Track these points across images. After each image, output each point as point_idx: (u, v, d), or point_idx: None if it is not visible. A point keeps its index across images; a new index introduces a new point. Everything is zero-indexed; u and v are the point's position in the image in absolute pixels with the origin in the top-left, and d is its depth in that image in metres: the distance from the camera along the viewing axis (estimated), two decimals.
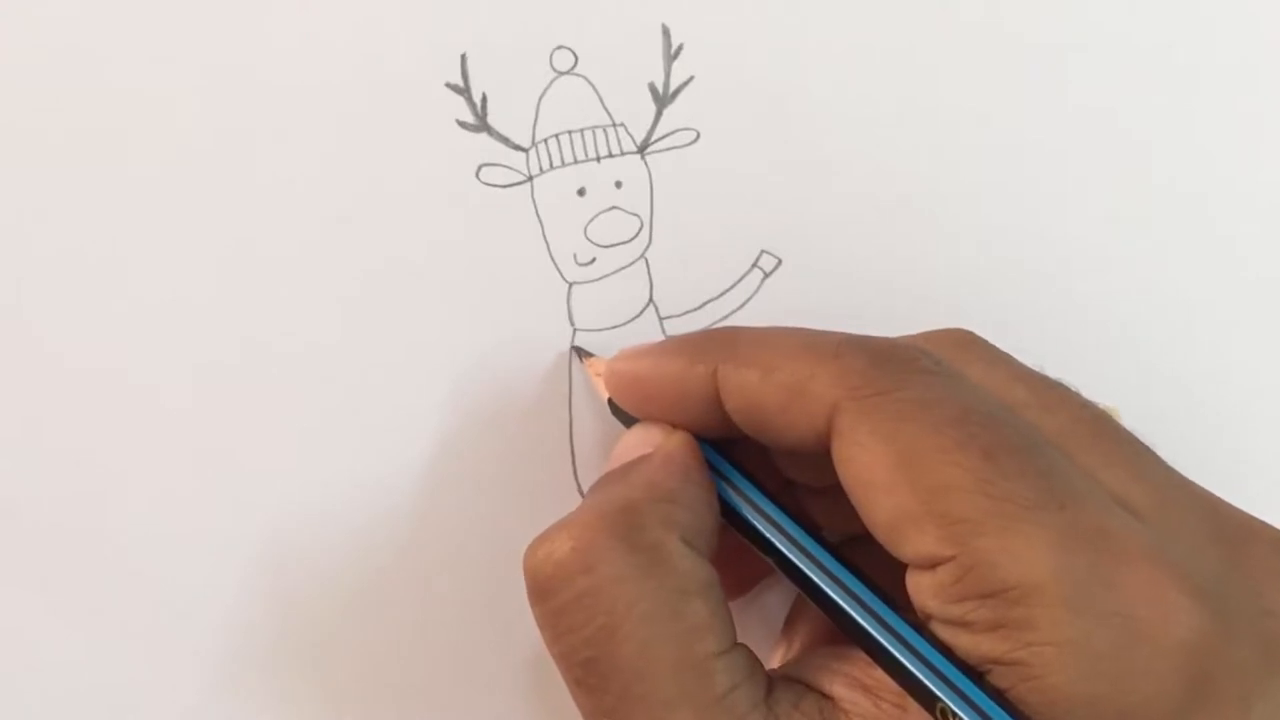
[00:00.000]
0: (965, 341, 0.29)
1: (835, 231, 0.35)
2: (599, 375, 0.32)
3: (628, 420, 0.31)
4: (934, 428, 0.26)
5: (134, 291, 0.31)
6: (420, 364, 0.32)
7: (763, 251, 0.34)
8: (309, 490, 0.32)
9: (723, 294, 0.34)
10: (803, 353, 0.28)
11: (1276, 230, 0.37)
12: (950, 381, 0.27)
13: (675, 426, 0.29)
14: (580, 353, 0.33)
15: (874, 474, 0.26)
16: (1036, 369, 0.29)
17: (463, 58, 0.33)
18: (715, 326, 0.31)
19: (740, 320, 0.34)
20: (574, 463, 0.33)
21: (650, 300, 0.34)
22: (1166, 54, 0.37)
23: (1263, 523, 0.28)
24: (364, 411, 0.32)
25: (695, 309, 0.34)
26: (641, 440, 0.29)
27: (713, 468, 0.29)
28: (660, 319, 0.34)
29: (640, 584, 0.26)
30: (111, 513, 0.31)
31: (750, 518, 0.29)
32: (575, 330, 0.33)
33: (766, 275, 0.34)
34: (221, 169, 0.32)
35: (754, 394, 0.28)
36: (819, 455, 0.27)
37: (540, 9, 0.33)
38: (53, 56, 0.31)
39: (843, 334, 0.28)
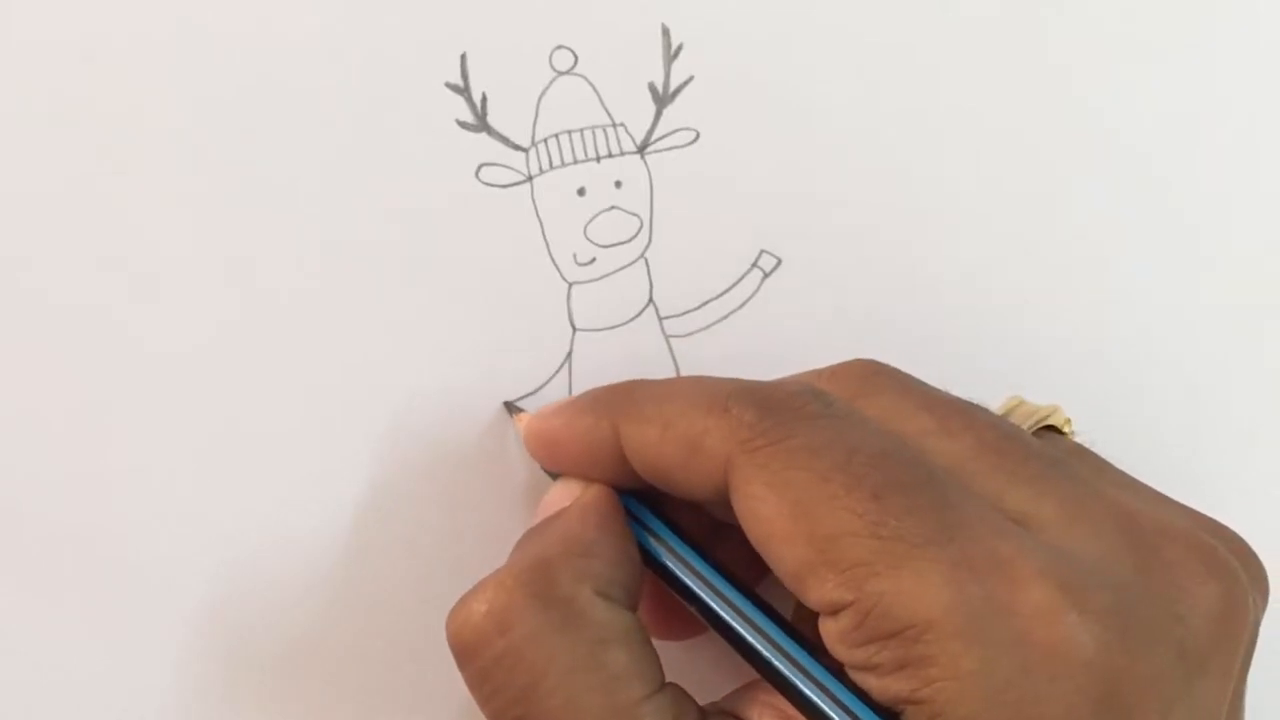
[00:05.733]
0: (869, 373, 0.29)
1: (835, 231, 0.35)
2: None
3: (554, 474, 0.31)
4: (822, 475, 0.26)
5: (131, 292, 0.31)
6: (419, 364, 0.32)
7: (763, 251, 0.34)
8: (307, 490, 0.32)
9: (723, 294, 0.34)
10: (697, 407, 0.28)
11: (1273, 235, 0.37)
12: (838, 423, 0.27)
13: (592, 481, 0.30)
14: (511, 408, 0.33)
15: (771, 526, 0.26)
16: (943, 390, 0.29)
17: (463, 58, 0.33)
18: (621, 381, 0.31)
19: (739, 320, 0.34)
20: None
21: (650, 300, 0.34)
22: (1168, 54, 0.36)
23: (1181, 522, 0.27)
24: (361, 411, 0.32)
25: (695, 309, 0.34)
26: (563, 494, 0.30)
27: (633, 516, 0.29)
28: (660, 319, 0.34)
29: (556, 639, 0.26)
30: (105, 513, 0.31)
31: (669, 564, 0.29)
32: (575, 330, 0.33)
33: (766, 275, 0.34)
34: (220, 169, 0.32)
35: (654, 450, 0.28)
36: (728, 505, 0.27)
37: (540, 9, 0.33)
38: (54, 51, 0.31)
39: (735, 383, 0.28)
